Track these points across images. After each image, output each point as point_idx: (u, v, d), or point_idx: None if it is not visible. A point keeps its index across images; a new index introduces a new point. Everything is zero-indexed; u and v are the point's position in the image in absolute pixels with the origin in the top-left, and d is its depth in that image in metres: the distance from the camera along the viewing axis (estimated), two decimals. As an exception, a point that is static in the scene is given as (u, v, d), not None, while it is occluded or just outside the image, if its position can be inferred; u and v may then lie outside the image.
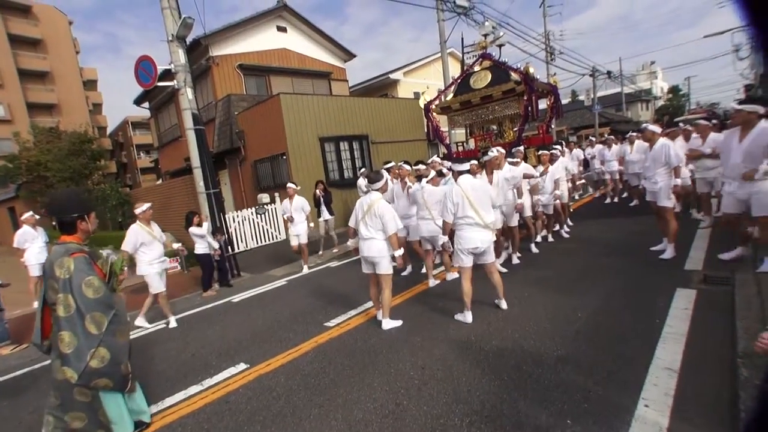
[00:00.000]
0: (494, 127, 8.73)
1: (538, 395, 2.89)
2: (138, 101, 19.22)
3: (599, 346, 3.46)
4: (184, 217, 7.16)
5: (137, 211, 5.78)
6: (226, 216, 9.39)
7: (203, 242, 7.07)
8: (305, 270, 7.83)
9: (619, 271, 5.23)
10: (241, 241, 10.92)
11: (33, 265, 7.70)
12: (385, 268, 4.35)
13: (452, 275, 5.82)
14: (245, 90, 15.01)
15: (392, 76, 20.05)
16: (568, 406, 2.73)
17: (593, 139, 11.99)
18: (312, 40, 17.54)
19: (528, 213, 6.51)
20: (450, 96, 9.05)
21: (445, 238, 4.47)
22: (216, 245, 7.20)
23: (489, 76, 8.22)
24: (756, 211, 4.32)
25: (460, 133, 11.74)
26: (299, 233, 7.77)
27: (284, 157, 12.18)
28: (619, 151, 9.94)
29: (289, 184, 7.88)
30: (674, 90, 54.20)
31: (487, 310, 4.60)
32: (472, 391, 3.06)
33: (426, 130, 9.15)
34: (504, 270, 5.78)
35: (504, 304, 4.52)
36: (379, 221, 4.24)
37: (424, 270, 6.15)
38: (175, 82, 7.58)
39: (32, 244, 7.81)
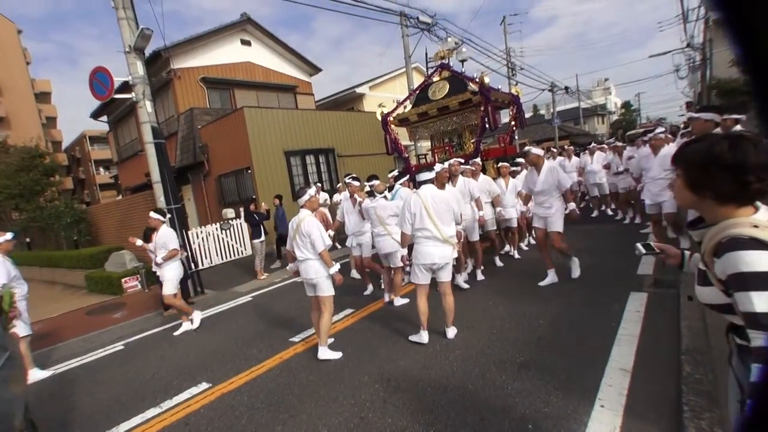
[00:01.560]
0: (453, 138, 8.59)
1: (501, 402, 2.94)
2: (95, 115, 18.52)
3: (560, 350, 3.57)
4: (142, 233, 6.88)
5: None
6: (190, 232, 9.13)
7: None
8: (192, 325, 5.93)
9: (579, 278, 5.42)
10: (206, 257, 10.61)
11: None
12: (325, 289, 4.05)
13: (400, 300, 5.47)
14: (209, 103, 14.74)
15: (358, 90, 20.22)
16: (529, 411, 2.79)
17: (554, 150, 12.20)
18: (277, 53, 17.49)
19: (491, 227, 6.43)
20: (408, 107, 8.79)
21: (404, 251, 4.24)
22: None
23: (447, 87, 8.00)
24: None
25: (426, 145, 11.89)
26: (166, 278, 5.86)
27: (249, 171, 11.99)
28: (579, 163, 10.21)
29: (152, 214, 5.93)
30: (626, 105, 57.68)
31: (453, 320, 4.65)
32: (437, 401, 3.08)
33: (384, 143, 8.86)
34: (466, 286, 5.67)
35: (452, 332, 4.16)
36: (307, 240, 3.97)
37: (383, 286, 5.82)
38: (133, 94, 7.37)
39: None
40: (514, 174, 6.96)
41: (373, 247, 5.68)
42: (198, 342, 5.35)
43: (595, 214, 9.70)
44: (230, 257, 11.20)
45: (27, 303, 5.05)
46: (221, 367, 4.33)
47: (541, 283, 5.30)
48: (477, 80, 7.18)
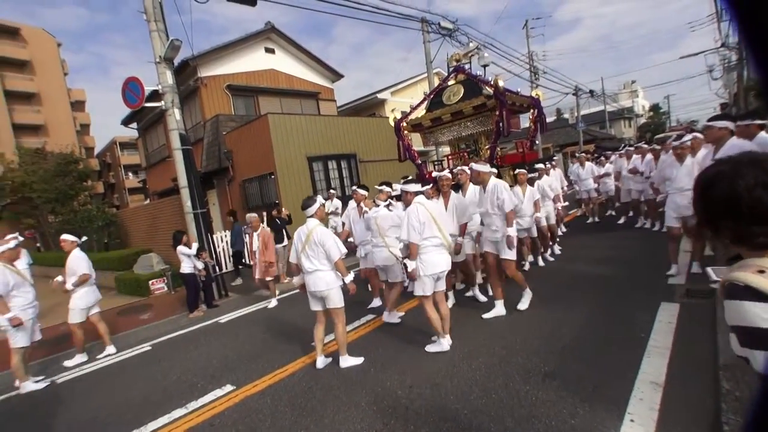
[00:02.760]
0: (470, 144, 8.22)
1: (526, 412, 2.89)
2: (126, 122, 19.18)
3: (585, 361, 3.48)
4: (172, 236, 7.10)
5: (3, 248, 4.86)
6: (214, 236, 9.33)
7: (190, 262, 7.00)
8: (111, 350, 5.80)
9: (605, 286, 5.29)
10: (230, 261, 10.81)
11: None
12: (336, 301, 3.96)
13: (394, 316, 5.19)
14: (233, 110, 15.08)
15: (380, 95, 20.34)
16: (555, 422, 2.73)
17: (578, 155, 11.86)
18: (300, 61, 17.78)
19: None
20: (423, 112, 8.48)
21: (413, 264, 3.91)
22: (200, 265, 7.12)
23: (462, 91, 7.66)
24: None
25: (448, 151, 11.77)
26: (72, 306, 5.52)
27: (272, 177, 12.19)
28: (593, 169, 9.91)
29: (64, 236, 5.73)
30: (655, 108, 56.00)
31: (473, 327, 4.60)
32: (460, 409, 3.04)
33: (397, 149, 8.52)
34: (484, 299, 5.42)
35: (449, 340, 4.13)
36: (320, 249, 3.86)
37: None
38: (162, 102, 7.62)
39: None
40: (532, 181, 6.75)
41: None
42: (222, 345, 5.44)
43: (622, 220, 9.38)
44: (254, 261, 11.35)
45: (35, 310, 4.99)
46: (245, 370, 4.39)
47: (486, 316, 4.80)
48: (492, 83, 6.91)
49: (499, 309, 4.86)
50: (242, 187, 13.78)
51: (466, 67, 8.19)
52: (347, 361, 4.06)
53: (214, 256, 7.98)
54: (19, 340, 4.76)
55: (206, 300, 7.44)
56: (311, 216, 3.99)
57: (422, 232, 3.89)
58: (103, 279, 12.22)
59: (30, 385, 4.84)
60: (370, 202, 5.75)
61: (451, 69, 8.31)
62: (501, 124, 6.70)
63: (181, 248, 6.94)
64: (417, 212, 3.92)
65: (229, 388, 4.02)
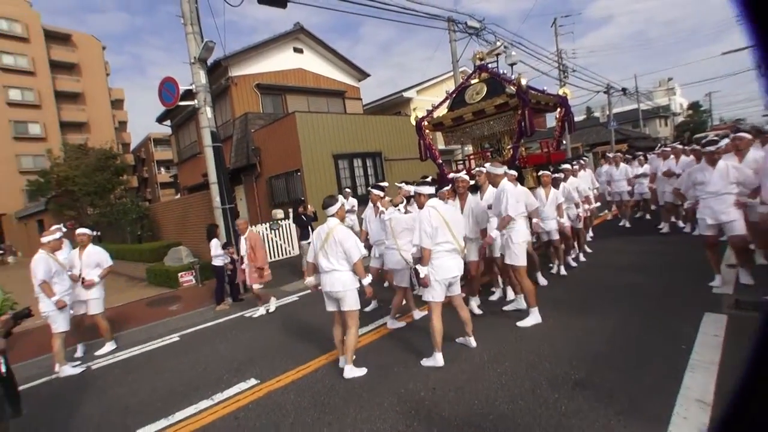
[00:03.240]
0: (493, 144, 8.02)
1: (554, 421, 2.78)
2: (160, 119, 19.81)
3: (620, 371, 3.31)
4: (206, 229, 7.34)
5: (45, 239, 5.19)
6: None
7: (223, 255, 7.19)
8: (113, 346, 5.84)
9: (640, 292, 5.05)
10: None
11: None
12: (351, 303, 3.82)
13: (395, 324, 5.10)
14: (262, 108, 15.34)
15: (405, 94, 20.26)
16: (586, 433, 2.61)
17: (610, 155, 10.86)
18: (327, 60, 17.91)
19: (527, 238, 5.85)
20: (444, 111, 8.33)
21: (425, 270, 3.79)
22: (227, 260, 7.30)
23: (485, 90, 7.50)
24: None
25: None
26: (96, 297, 5.68)
27: (299, 174, 12.32)
28: (627, 170, 9.40)
29: (81, 230, 5.79)
30: (695, 106, 53.39)
31: (500, 330, 4.49)
32: (486, 414, 2.96)
33: (418, 148, 8.42)
34: (479, 311, 5.12)
35: (473, 342, 4.09)
36: (339, 249, 3.76)
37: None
38: (195, 101, 7.80)
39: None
40: (556, 183, 6.43)
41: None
42: (247, 339, 5.52)
43: (662, 226, 8.50)
44: (278, 257, 11.53)
45: (70, 298, 5.25)
46: (269, 365, 4.43)
47: (521, 324, 4.55)
48: (514, 82, 6.67)
49: (533, 316, 4.57)
50: (269, 184, 13.99)
51: (491, 65, 8.00)
52: (352, 371, 3.86)
53: (239, 251, 8.10)
54: (60, 325, 5.04)
55: (232, 294, 7.58)
56: (332, 215, 3.92)
57: (435, 237, 3.75)
58: (134, 270, 12.70)
59: (68, 370, 5.07)
60: (387, 202, 5.63)
61: (474, 67, 8.15)
62: (523, 124, 6.53)
63: (215, 241, 7.16)
64: (429, 216, 3.78)
65: (253, 381, 4.06)
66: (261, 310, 6.63)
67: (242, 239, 6.73)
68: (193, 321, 6.70)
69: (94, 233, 6.21)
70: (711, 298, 4.53)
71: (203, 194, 11.70)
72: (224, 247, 7.38)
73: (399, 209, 5.14)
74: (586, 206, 7.26)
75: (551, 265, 6.42)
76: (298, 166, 12.22)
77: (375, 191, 5.82)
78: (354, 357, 3.94)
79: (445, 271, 3.81)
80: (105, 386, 4.56)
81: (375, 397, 3.42)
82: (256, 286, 6.56)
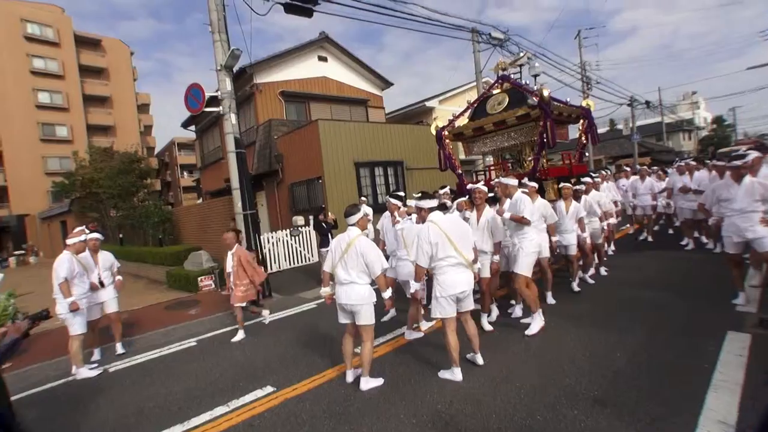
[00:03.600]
0: (514, 155, 7.91)
1: (574, 440, 2.73)
2: (185, 124, 20.35)
3: (641, 389, 3.25)
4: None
5: (71, 240, 5.30)
6: (261, 237, 9.63)
7: None
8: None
9: (662, 308, 4.94)
10: (275, 262, 11.11)
11: None
12: (368, 318, 3.76)
13: (426, 324, 5.20)
14: (285, 115, 15.61)
15: (428, 103, 20.35)
16: (606, 453, 2.56)
17: (628, 169, 10.70)
18: (351, 68, 18.15)
19: (545, 254, 5.60)
20: (465, 121, 8.21)
21: (418, 285, 3.94)
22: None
23: (506, 100, 7.40)
24: None
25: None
26: (111, 296, 5.82)
27: (320, 181, 12.45)
28: (653, 185, 9.18)
29: (93, 235, 5.84)
30: (719, 120, 52.11)
31: (519, 345, 4.44)
32: (502, 429, 2.93)
33: (438, 158, 8.31)
34: (489, 328, 4.98)
35: (480, 359, 3.96)
36: (361, 261, 3.66)
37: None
38: (220, 108, 7.99)
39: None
40: (578, 196, 6.30)
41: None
42: (264, 345, 5.57)
43: (686, 242, 8.35)
44: (298, 263, 11.64)
45: (87, 301, 5.31)
46: (285, 373, 4.46)
47: (528, 332, 4.64)
48: (537, 93, 6.57)
49: (535, 324, 4.66)
50: (290, 190, 14.17)
51: (514, 76, 7.94)
52: (369, 383, 3.81)
53: (260, 256, 8.22)
54: (77, 328, 5.07)
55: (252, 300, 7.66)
56: (353, 224, 3.83)
57: (435, 254, 3.68)
58: (155, 273, 12.97)
59: (85, 372, 5.13)
60: (404, 212, 5.59)
61: (496, 77, 8.04)
62: (545, 135, 6.41)
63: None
64: (428, 232, 3.69)
65: (269, 389, 4.08)
66: (240, 335, 6.00)
67: (229, 254, 6.27)
68: (211, 326, 6.80)
69: (120, 235, 6.36)
70: (735, 317, 4.44)
71: (225, 199, 11.94)
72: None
73: (411, 219, 5.08)
74: (611, 220, 7.18)
75: (570, 279, 6.28)
76: (320, 174, 12.36)
77: (393, 200, 5.72)
78: (370, 368, 3.89)
79: (450, 287, 3.69)
80: (122, 389, 4.63)
81: (391, 408, 3.42)
82: (237, 304, 6.12)
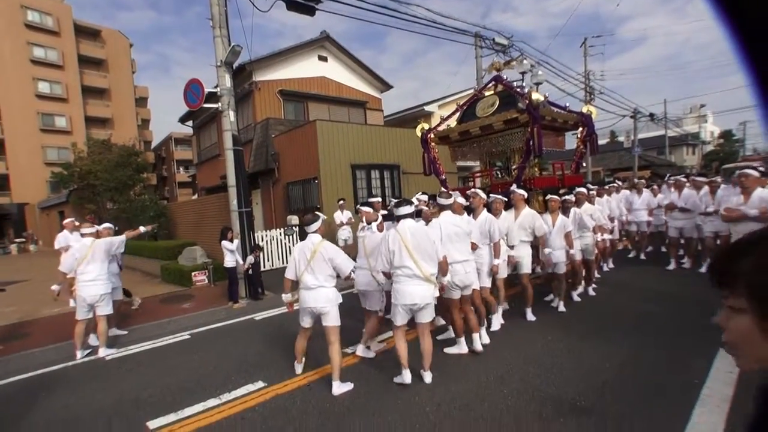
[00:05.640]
0: (503, 161, 7.62)
1: (559, 446, 2.76)
2: (183, 119, 20.29)
3: (628, 401, 3.29)
4: (220, 231, 7.53)
5: (86, 230, 5.59)
6: (255, 234, 9.62)
7: (232, 257, 7.40)
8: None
9: (653, 324, 4.99)
10: (268, 260, 11.11)
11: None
12: (335, 319, 3.85)
13: (366, 352, 4.72)
14: (283, 114, 15.61)
15: (427, 108, 20.39)
16: (590, 461, 2.59)
17: (619, 183, 9.77)
18: (351, 69, 18.20)
19: (525, 270, 5.48)
20: (454, 124, 7.80)
21: (381, 278, 4.09)
22: (245, 261, 7.54)
23: (497, 103, 6.97)
24: None
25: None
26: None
27: (316, 182, 12.47)
28: (649, 200, 8.65)
29: (105, 225, 6.12)
30: (727, 135, 51.69)
31: (508, 351, 4.47)
32: (489, 434, 2.96)
33: (423, 163, 8.01)
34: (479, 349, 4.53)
35: (428, 377, 3.85)
36: (328, 266, 3.80)
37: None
38: (219, 104, 7.99)
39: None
40: (566, 208, 5.91)
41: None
42: (257, 341, 5.58)
43: (687, 263, 7.90)
44: (291, 262, 11.60)
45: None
46: (277, 369, 4.48)
47: (447, 350, 4.54)
48: (526, 96, 6.13)
49: (461, 347, 4.49)
50: (286, 189, 14.17)
51: (515, 83, 7.43)
52: (340, 387, 3.79)
53: (262, 252, 8.23)
54: (109, 308, 5.51)
55: (253, 292, 7.84)
56: (314, 232, 3.93)
57: (392, 261, 3.74)
58: (150, 266, 12.92)
59: (109, 350, 5.47)
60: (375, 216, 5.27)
61: (488, 78, 7.71)
62: (532, 142, 5.99)
63: (225, 243, 7.32)
64: (389, 239, 3.77)
65: (260, 384, 4.11)
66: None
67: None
68: (204, 320, 6.80)
69: (115, 228, 6.44)
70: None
71: (220, 196, 11.91)
72: (252, 249, 7.78)
73: (371, 228, 4.88)
74: (606, 236, 6.81)
75: (556, 298, 5.91)
76: (316, 174, 12.38)
77: (364, 208, 5.21)
78: (340, 373, 3.88)
79: (404, 297, 3.70)
80: (118, 377, 4.68)
81: (380, 408, 3.45)
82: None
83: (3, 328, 6.87)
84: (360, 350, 4.68)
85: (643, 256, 8.96)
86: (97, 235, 5.72)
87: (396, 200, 4.28)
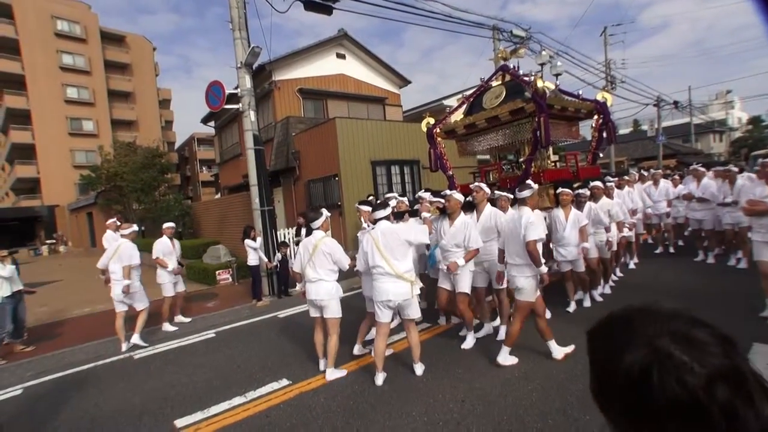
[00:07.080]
0: (512, 155, 7.27)
1: (586, 444, 2.73)
2: (205, 120, 20.69)
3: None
4: (243, 230, 7.68)
5: (125, 231, 6.01)
6: (278, 233, 9.76)
7: (255, 255, 7.55)
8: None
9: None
10: (291, 258, 11.23)
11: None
12: (334, 311, 4.11)
13: (362, 350, 4.80)
14: (303, 113, 15.74)
15: (446, 102, 20.21)
16: (618, 459, 2.55)
17: (645, 173, 9.17)
18: (369, 66, 18.18)
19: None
20: (460, 116, 7.42)
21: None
22: (273, 259, 7.86)
23: (504, 93, 6.63)
24: None
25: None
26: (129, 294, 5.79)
27: (336, 179, 12.54)
28: (669, 190, 8.22)
29: (129, 227, 6.19)
30: (756, 120, 49.64)
31: (531, 348, 4.42)
32: (513, 431, 2.94)
33: (428, 158, 7.75)
34: (469, 346, 4.62)
35: (420, 369, 4.01)
36: (328, 260, 4.07)
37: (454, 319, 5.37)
38: (240, 105, 8.12)
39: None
40: (580, 202, 5.62)
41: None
42: (280, 339, 5.68)
43: (710, 258, 7.53)
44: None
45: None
46: (300, 366, 4.55)
47: (464, 345, 4.61)
48: (532, 84, 5.76)
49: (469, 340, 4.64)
50: (307, 187, 14.31)
51: (536, 73, 6.67)
52: (333, 373, 4.13)
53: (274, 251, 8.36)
54: (170, 290, 6.51)
55: (279, 289, 8.06)
56: (317, 228, 4.18)
57: (368, 261, 3.94)
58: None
59: (171, 326, 6.48)
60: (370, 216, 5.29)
61: (496, 68, 7.39)
62: (538, 133, 5.64)
63: (248, 242, 7.47)
64: (364, 242, 4.03)
65: (285, 382, 4.18)
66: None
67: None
68: (229, 318, 6.95)
69: (141, 228, 6.73)
70: (761, 329, 4.29)
71: (243, 195, 12.13)
72: (279, 246, 8.13)
73: (365, 227, 4.81)
74: (625, 232, 6.49)
75: (568, 300, 5.60)
76: (336, 172, 12.45)
77: (362, 207, 5.28)
78: (334, 360, 4.18)
79: (379, 294, 3.86)
80: (146, 376, 4.83)
81: (404, 406, 3.46)
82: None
83: (35, 328, 7.06)
84: (329, 373, 4.42)
85: (672, 249, 8.61)
86: (135, 234, 6.10)
87: (374, 204, 4.42)
